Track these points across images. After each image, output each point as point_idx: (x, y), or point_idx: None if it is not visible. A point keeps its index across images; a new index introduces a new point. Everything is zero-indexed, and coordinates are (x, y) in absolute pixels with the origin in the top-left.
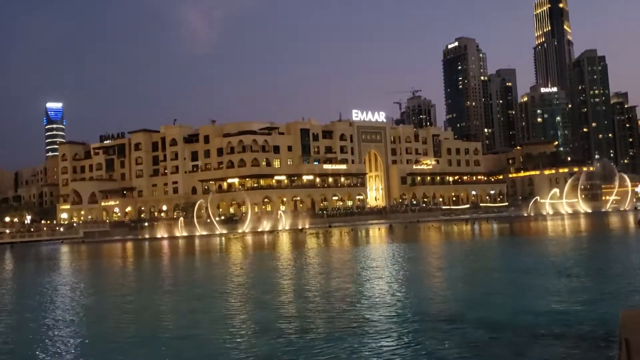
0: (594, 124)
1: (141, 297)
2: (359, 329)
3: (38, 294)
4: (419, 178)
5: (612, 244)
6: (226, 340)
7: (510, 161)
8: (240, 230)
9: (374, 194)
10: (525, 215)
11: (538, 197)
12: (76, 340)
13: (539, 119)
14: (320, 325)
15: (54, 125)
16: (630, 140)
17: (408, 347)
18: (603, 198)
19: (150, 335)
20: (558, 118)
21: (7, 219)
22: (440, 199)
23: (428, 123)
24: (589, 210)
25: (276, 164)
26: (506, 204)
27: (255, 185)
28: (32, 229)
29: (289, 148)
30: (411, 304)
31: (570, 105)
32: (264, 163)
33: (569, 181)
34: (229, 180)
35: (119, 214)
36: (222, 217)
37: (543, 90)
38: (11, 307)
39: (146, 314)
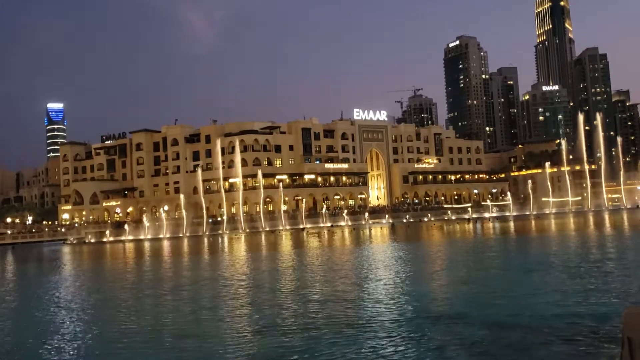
0: (595, 122)
1: (142, 297)
2: (361, 328)
3: (39, 294)
4: (420, 177)
5: (614, 242)
6: (228, 340)
7: (512, 160)
8: (240, 230)
9: (376, 193)
10: (528, 213)
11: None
12: (78, 341)
13: (541, 117)
14: (322, 325)
15: (55, 126)
16: (632, 138)
17: (410, 346)
18: (607, 196)
19: (154, 336)
20: (560, 116)
21: (9, 220)
22: (442, 198)
23: (429, 122)
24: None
25: (278, 163)
26: (508, 202)
27: (256, 184)
28: (33, 230)
29: (291, 147)
30: (413, 304)
31: (571, 104)
32: (265, 162)
33: None
34: (231, 180)
35: (120, 215)
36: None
37: (544, 88)
38: (12, 307)
39: (148, 314)
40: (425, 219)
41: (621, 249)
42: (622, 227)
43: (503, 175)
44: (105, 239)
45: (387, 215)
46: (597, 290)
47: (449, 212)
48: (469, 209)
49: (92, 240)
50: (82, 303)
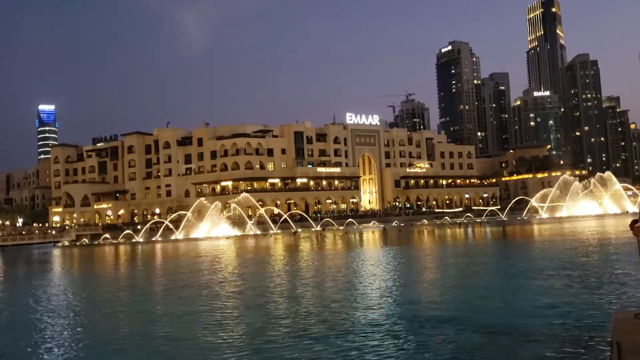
0: (586, 128)
1: (133, 300)
2: (350, 332)
3: (28, 296)
4: (412, 181)
5: (605, 248)
6: (218, 343)
7: (503, 164)
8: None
9: (368, 197)
10: (519, 218)
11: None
12: (68, 342)
13: (532, 123)
14: (311, 330)
15: (47, 128)
16: (622, 144)
17: (400, 350)
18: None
19: (144, 338)
20: (551, 122)
21: None
22: (434, 202)
23: (422, 126)
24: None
25: (270, 167)
26: (499, 207)
27: (248, 188)
28: (23, 232)
29: (283, 151)
30: (403, 308)
31: (562, 109)
32: (257, 166)
33: None
34: (223, 183)
35: (111, 217)
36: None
37: (536, 94)
38: (1, 310)
39: (138, 317)
40: (418, 223)
41: (607, 255)
42: (608, 233)
43: (494, 180)
44: (96, 242)
45: (372, 221)
46: (587, 295)
47: (446, 217)
48: (470, 214)
49: (86, 242)
50: (69, 304)
